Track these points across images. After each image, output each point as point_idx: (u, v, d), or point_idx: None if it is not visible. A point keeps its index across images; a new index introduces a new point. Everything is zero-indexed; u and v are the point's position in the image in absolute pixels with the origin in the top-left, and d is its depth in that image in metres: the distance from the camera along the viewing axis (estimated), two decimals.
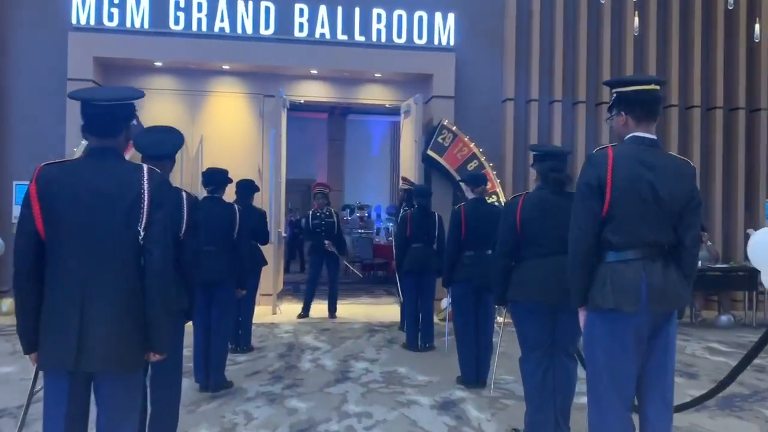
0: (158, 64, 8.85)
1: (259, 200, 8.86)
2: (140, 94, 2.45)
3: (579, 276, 2.74)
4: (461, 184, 5.28)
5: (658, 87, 2.80)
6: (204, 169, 5.37)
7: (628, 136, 2.79)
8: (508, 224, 3.62)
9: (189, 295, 3.30)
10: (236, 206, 4.82)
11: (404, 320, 7.21)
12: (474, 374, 4.89)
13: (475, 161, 8.46)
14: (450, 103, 8.96)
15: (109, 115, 2.33)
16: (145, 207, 2.29)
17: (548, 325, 3.57)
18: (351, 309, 8.99)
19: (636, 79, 2.99)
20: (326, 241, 7.87)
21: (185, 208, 3.26)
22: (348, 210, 24.51)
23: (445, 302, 7.86)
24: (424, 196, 6.29)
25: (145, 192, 2.30)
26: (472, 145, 8.50)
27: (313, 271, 8.20)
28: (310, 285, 8.23)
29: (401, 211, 7.25)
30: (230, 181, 5.03)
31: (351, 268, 8.84)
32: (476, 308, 4.89)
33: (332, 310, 8.20)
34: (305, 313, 8.08)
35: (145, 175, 2.33)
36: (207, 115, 9.14)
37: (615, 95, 2.83)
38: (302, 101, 9.40)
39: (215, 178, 4.86)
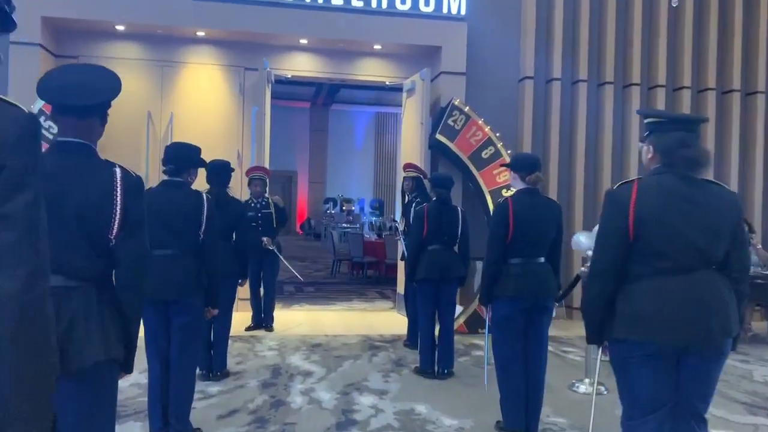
0: (120, 28, 7.52)
1: (238, 190, 7.62)
2: None
3: None
4: (506, 170, 4.05)
5: None
6: None
7: None
8: (614, 227, 2.42)
9: (127, 332, 2.07)
10: (205, 195, 3.54)
11: (412, 336, 6.02)
12: (521, 420, 3.70)
13: (491, 147, 7.26)
14: (461, 81, 7.75)
15: None
16: None
17: (672, 377, 2.40)
18: (344, 317, 7.76)
19: None
20: (264, 238, 6.41)
21: (118, 193, 2.02)
22: (331, 203, 23.31)
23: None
24: (445, 186, 5.07)
25: None
26: (487, 129, 7.31)
27: (253, 275, 6.58)
28: (254, 290, 6.76)
29: (411, 203, 6.02)
30: (201, 163, 3.70)
31: (292, 270, 7.53)
32: (526, 333, 3.70)
33: (268, 320, 6.78)
34: (255, 323, 6.78)
35: None
36: (178, 90, 7.83)
37: None
38: (289, 75, 8.12)
39: (177, 154, 3.56)
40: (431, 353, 5.05)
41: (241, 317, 6.71)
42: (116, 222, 2.01)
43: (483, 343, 6.33)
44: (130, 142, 7.62)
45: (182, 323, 3.45)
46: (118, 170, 2.06)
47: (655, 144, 2.49)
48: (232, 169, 5.07)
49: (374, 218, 20.98)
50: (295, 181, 24.39)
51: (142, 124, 7.67)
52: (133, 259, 2.05)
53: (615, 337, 2.44)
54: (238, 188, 7.66)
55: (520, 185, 3.72)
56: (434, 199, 5.12)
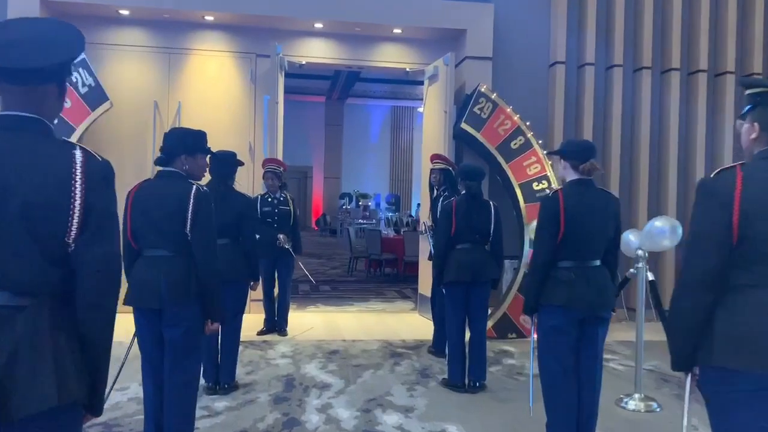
0: (124, 12, 7.07)
1: (249, 184, 7.18)
2: None
3: None
4: (552, 158, 3.54)
5: None
6: None
7: None
8: (713, 225, 1.91)
9: (92, 364, 1.60)
10: (195, 187, 3.04)
11: (438, 342, 5.53)
12: None
13: (521, 137, 6.73)
14: (487, 66, 7.23)
15: None
16: None
17: None
18: (362, 319, 7.27)
19: None
20: (280, 235, 5.96)
21: (78, 183, 1.54)
22: (347, 199, 22.85)
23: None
24: (475, 178, 4.55)
25: None
26: (516, 117, 6.77)
27: (267, 275, 6.14)
28: (267, 292, 6.27)
29: (440, 198, 5.51)
30: (196, 149, 3.12)
31: (305, 271, 7.10)
32: (577, 347, 3.19)
33: (282, 324, 6.29)
34: (267, 327, 6.29)
35: None
36: (186, 79, 7.38)
37: None
38: (303, 63, 7.63)
39: (168, 141, 3.07)
40: (461, 364, 4.54)
41: (253, 320, 6.28)
42: (75, 221, 1.53)
43: (514, 349, 5.84)
44: (135, 133, 7.20)
45: (173, 336, 2.98)
46: (78, 153, 1.58)
47: (762, 121, 1.97)
48: (240, 162, 4.58)
49: (390, 214, 20.58)
50: (310, 177, 24.06)
51: (148, 114, 7.24)
52: (99, 270, 1.57)
53: (712, 364, 1.93)
54: (251, 182, 7.23)
55: (572, 176, 3.20)
56: (463, 192, 4.61)
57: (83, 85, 6.39)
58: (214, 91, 7.41)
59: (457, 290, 4.49)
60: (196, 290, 2.98)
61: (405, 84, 19.62)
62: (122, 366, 3.25)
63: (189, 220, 2.96)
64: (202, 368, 4.43)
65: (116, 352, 1.82)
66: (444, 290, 4.63)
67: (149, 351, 3.02)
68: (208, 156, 3.31)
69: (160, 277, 2.91)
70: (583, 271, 3.14)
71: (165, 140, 3.08)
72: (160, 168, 3.08)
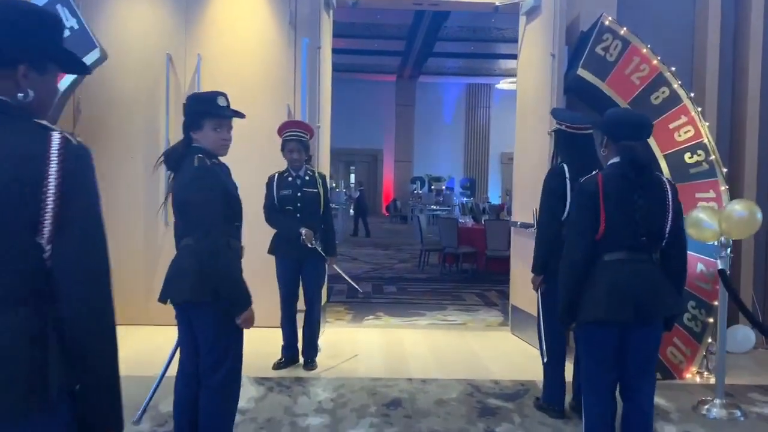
0: None
1: (271, 160, 5.46)
2: None
3: None
4: None
5: None
6: None
7: None
8: None
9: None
10: (61, 134, 1.27)
11: (552, 392, 3.63)
12: None
13: (664, 89, 4.67)
14: None
15: None
16: None
17: None
18: (436, 341, 5.41)
19: None
20: (302, 230, 4.24)
21: None
22: (419, 183, 21.02)
23: None
24: (637, 135, 2.56)
25: None
26: (655, 61, 4.71)
27: (287, 284, 4.43)
28: (286, 307, 4.46)
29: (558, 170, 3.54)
30: (51, 51, 1.34)
31: (350, 281, 5.10)
32: None
33: (309, 357, 4.49)
34: (286, 357, 4.48)
35: None
36: (207, 25, 5.69)
37: None
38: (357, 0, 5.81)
39: None
40: None
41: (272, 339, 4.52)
42: None
43: (670, 405, 3.86)
44: (144, 94, 5.61)
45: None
46: None
47: None
48: (232, 111, 2.68)
49: (465, 199, 18.75)
50: (381, 160, 22.59)
51: (159, 70, 5.60)
52: None
53: None
54: (272, 158, 5.50)
55: None
56: (614, 161, 2.63)
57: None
58: (242, 39, 5.67)
59: (603, 335, 2.52)
60: (59, 380, 1.25)
61: (481, 58, 17.76)
62: None
63: (48, 215, 1.22)
64: None
65: None
66: (578, 332, 2.69)
67: None
68: None
69: None
70: None
71: None
72: None
